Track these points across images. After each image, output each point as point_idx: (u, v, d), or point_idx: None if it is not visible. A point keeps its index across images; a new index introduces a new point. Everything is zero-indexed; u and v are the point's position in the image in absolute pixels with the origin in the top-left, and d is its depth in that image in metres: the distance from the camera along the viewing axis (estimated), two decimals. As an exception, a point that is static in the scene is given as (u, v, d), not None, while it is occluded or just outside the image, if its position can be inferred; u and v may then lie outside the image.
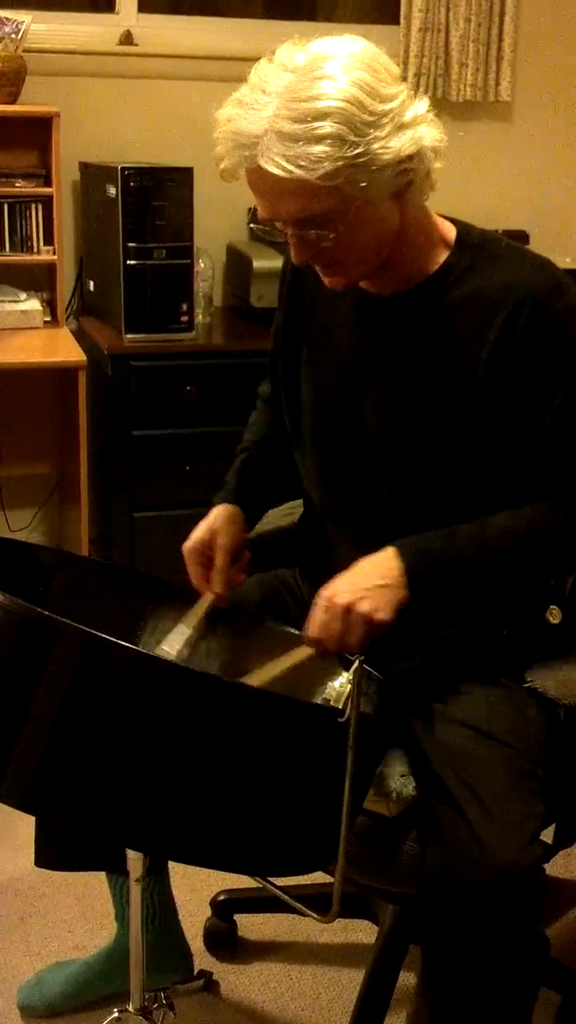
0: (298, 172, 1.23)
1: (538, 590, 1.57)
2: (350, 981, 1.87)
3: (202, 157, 2.79)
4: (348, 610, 1.33)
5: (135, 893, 1.42)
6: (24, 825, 2.10)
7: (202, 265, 2.87)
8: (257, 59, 3.14)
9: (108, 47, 2.97)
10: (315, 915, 1.28)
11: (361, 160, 1.24)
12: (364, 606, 1.32)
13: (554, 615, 1.57)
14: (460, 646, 1.52)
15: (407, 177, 1.31)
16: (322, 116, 1.22)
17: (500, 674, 1.50)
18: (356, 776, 1.20)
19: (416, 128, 1.29)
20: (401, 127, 1.27)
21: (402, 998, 1.83)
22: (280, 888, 1.35)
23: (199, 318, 2.82)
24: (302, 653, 1.37)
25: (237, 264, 2.96)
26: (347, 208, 1.28)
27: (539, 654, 1.54)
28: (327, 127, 1.22)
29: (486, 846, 1.29)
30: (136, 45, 2.98)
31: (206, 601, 1.52)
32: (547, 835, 1.50)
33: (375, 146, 1.24)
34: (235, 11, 3.25)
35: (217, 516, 1.59)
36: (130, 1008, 1.51)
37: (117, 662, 1.13)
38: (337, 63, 1.24)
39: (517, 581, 1.48)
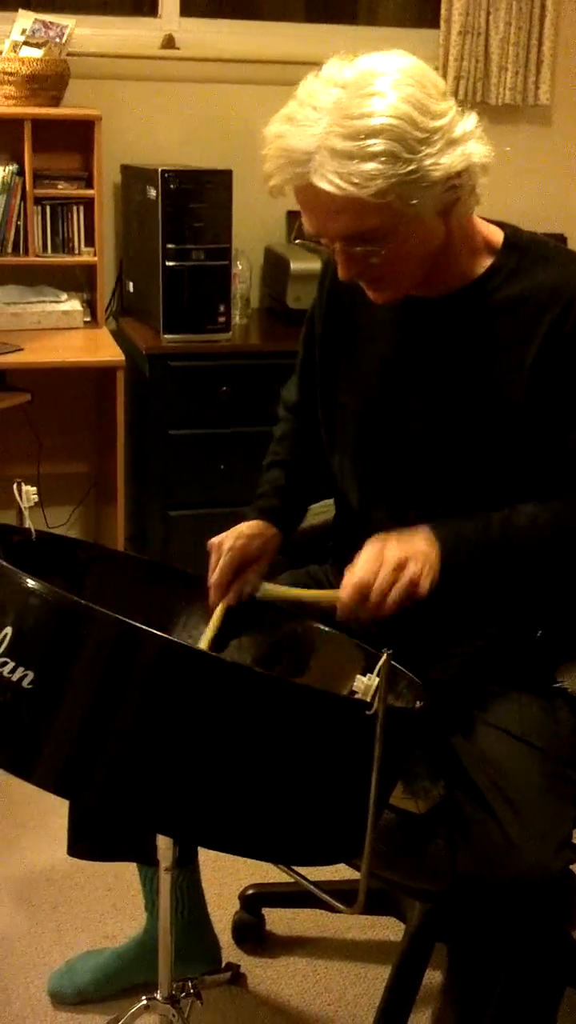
0: (351, 189, 1.23)
1: (571, 591, 1.57)
2: (376, 978, 1.89)
3: (241, 160, 2.85)
4: (401, 565, 1.32)
5: (164, 882, 1.44)
6: (58, 816, 2.14)
7: (239, 267, 2.90)
8: (298, 63, 3.16)
9: (150, 51, 3.00)
10: (341, 906, 1.29)
11: (413, 177, 1.25)
12: (415, 568, 1.32)
13: (589, 614, 1.57)
14: (493, 648, 1.53)
15: (455, 194, 1.31)
16: (375, 133, 1.22)
17: (531, 676, 1.51)
18: (383, 769, 1.21)
19: (466, 144, 1.29)
20: (451, 143, 1.27)
21: (427, 996, 1.84)
22: (308, 880, 1.36)
23: (236, 319, 2.85)
24: (330, 595, 1.39)
25: (274, 266, 2.99)
26: (396, 225, 1.28)
27: (571, 655, 1.55)
28: (380, 144, 1.22)
29: (517, 848, 1.29)
30: (178, 49, 3.01)
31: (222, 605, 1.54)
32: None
33: (427, 163, 1.25)
34: (275, 14, 3.27)
35: (240, 527, 1.58)
36: (158, 996, 1.53)
37: (150, 650, 1.15)
38: (387, 80, 1.25)
39: (542, 572, 1.47)
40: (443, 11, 3.10)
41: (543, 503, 1.43)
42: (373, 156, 1.22)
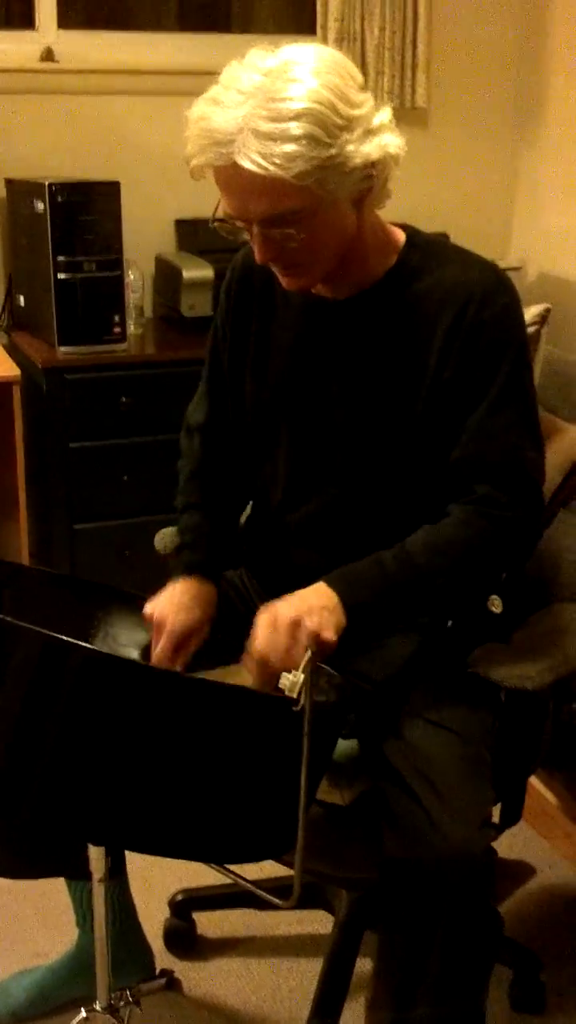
0: (273, 170, 1.27)
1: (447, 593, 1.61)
2: (308, 970, 1.92)
3: (126, 170, 2.85)
4: (296, 624, 1.32)
5: (99, 893, 1.45)
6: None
7: (131, 277, 2.90)
8: (179, 73, 3.17)
9: (29, 64, 2.98)
10: (278, 901, 1.32)
11: (333, 162, 1.30)
12: (311, 622, 1.32)
13: (496, 605, 1.62)
14: (405, 638, 1.57)
15: (369, 183, 1.36)
16: (297, 116, 1.27)
17: (445, 663, 1.56)
18: (311, 763, 1.25)
19: (382, 135, 1.34)
20: (369, 132, 1.33)
21: (360, 984, 1.88)
22: (244, 879, 1.39)
23: (131, 329, 2.85)
24: (242, 677, 1.37)
25: (166, 275, 3.00)
26: (313, 209, 1.33)
27: (481, 642, 1.60)
28: (301, 128, 1.27)
29: (442, 831, 1.33)
30: (57, 62, 3.00)
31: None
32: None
33: (347, 149, 1.30)
34: (149, 25, 3.28)
35: (176, 595, 1.54)
36: (97, 1007, 1.53)
37: (75, 661, 1.17)
38: (307, 67, 1.30)
39: (455, 588, 1.49)
40: (319, 18, 3.14)
41: (431, 526, 1.45)
42: (295, 138, 1.27)
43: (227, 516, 1.69)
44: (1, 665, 1.17)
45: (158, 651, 1.50)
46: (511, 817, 1.70)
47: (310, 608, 1.34)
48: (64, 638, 1.16)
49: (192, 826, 1.22)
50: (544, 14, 3.24)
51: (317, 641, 1.31)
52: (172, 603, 1.52)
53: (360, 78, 1.37)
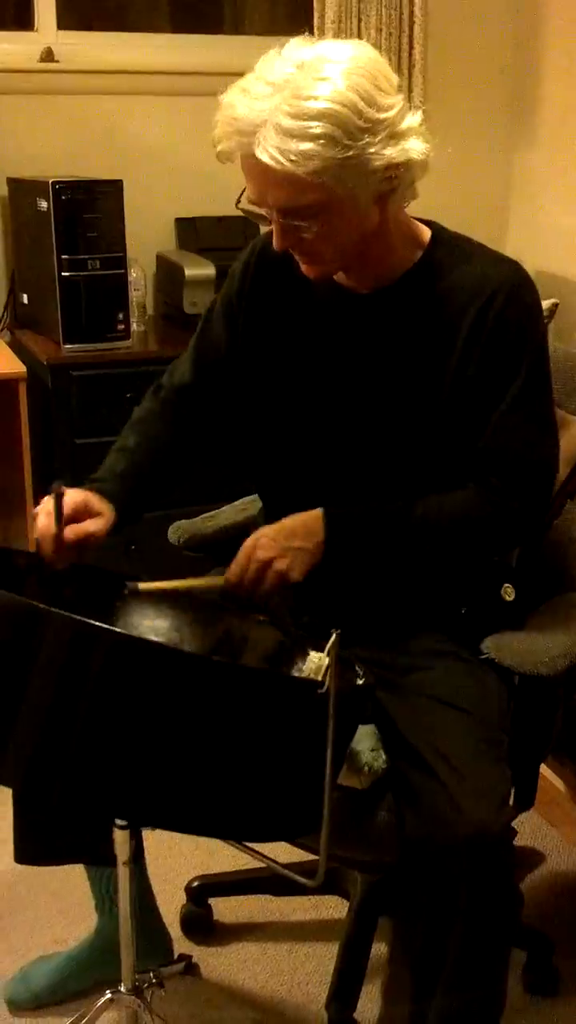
0: (288, 166, 1.30)
1: (492, 569, 1.66)
2: (325, 955, 1.95)
3: (127, 169, 2.87)
4: (267, 565, 1.43)
5: (123, 875, 1.48)
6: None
7: (134, 275, 2.92)
8: (178, 74, 3.18)
9: (29, 64, 3.00)
10: (303, 880, 1.35)
11: (351, 163, 1.32)
12: (280, 564, 1.43)
13: (508, 593, 1.66)
14: (421, 624, 1.60)
15: (392, 184, 1.38)
16: (318, 116, 1.29)
17: (460, 649, 1.59)
18: (335, 744, 1.27)
19: (408, 140, 1.36)
20: (394, 136, 1.34)
21: (375, 968, 1.91)
22: (274, 861, 1.41)
23: (134, 326, 2.87)
24: (208, 583, 1.52)
25: (168, 273, 3.02)
26: (331, 204, 1.35)
27: (495, 629, 1.63)
28: (320, 128, 1.29)
29: (462, 809, 1.36)
30: (57, 62, 3.02)
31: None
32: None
33: (369, 151, 1.32)
34: (143, 26, 3.30)
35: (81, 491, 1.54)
36: (122, 989, 1.56)
37: (104, 645, 1.19)
38: (339, 67, 1.31)
39: (448, 557, 1.55)
40: (316, 19, 3.17)
41: (443, 494, 1.50)
42: (313, 138, 1.29)
43: (155, 479, 1.66)
44: (32, 650, 1.19)
45: (42, 517, 1.50)
46: (524, 802, 1.72)
47: (284, 550, 1.44)
48: (94, 623, 1.18)
49: (217, 804, 1.24)
50: (538, 14, 3.27)
51: (283, 579, 1.44)
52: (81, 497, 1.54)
53: (395, 80, 1.37)
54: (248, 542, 1.46)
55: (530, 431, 1.48)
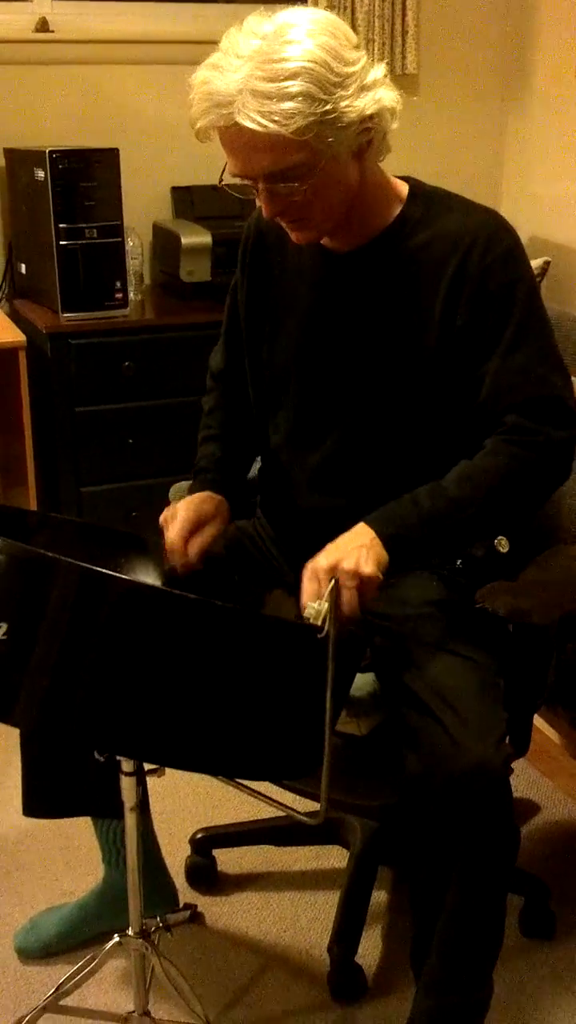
0: (272, 127, 1.34)
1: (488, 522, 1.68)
2: (326, 903, 1.99)
3: (121, 139, 2.89)
4: (333, 569, 1.38)
5: (131, 821, 1.52)
6: (4, 786, 2.19)
7: (131, 244, 2.95)
8: (171, 42, 3.20)
9: (25, 35, 3.01)
10: (306, 819, 1.39)
11: (329, 117, 1.36)
12: (348, 563, 1.38)
13: (503, 544, 1.69)
14: (417, 575, 1.64)
15: (368, 136, 1.42)
16: (293, 75, 1.33)
17: (455, 599, 1.63)
18: (334, 688, 1.31)
19: (376, 90, 1.41)
20: (363, 88, 1.39)
21: (375, 916, 1.96)
22: (268, 799, 1.45)
23: (131, 295, 2.90)
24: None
25: (165, 241, 3.04)
26: (315, 163, 1.39)
27: (489, 580, 1.67)
28: (297, 86, 1.33)
29: (461, 745, 1.40)
30: (52, 32, 3.03)
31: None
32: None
33: (342, 104, 1.36)
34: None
35: (189, 498, 1.66)
36: (130, 932, 1.60)
37: (113, 592, 1.23)
38: (302, 29, 1.36)
39: (497, 514, 1.52)
40: (308, -13, 3.18)
41: (464, 462, 1.49)
42: (291, 96, 1.33)
43: (241, 451, 1.78)
44: (45, 596, 1.23)
45: (171, 532, 1.59)
46: (518, 750, 1.77)
47: (344, 551, 1.40)
48: (102, 570, 1.22)
49: (221, 743, 1.28)
50: (530, -21, 3.29)
51: (359, 577, 1.37)
52: (184, 501, 1.65)
53: (354, 38, 1.42)
54: (305, 566, 1.41)
55: (535, 366, 1.49)
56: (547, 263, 2.17)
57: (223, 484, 1.71)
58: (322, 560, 1.40)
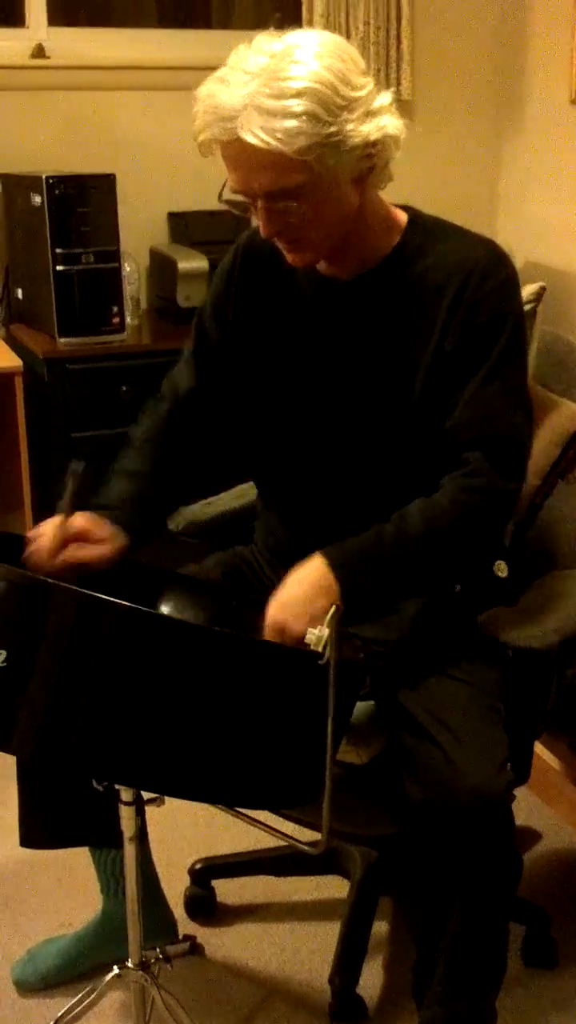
0: (275, 144, 1.33)
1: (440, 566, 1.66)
2: (327, 934, 1.97)
3: (117, 165, 2.90)
4: (281, 630, 1.38)
5: (130, 851, 1.50)
6: (1, 816, 2.17)
7: (127, 269, 2.95)
8: (168, 68, 3.21)
9: (21, 61, 3.03)
10: (307, 848, 1.37)
11: (333, 140, 1.36)
12: (296, 625, 1.37)
13: (501, 569, 1.69)
14: (416, 603, 1.63)
15: (370, 162, 1.42)
16: (299, 94, 1.33)
17: (455, 626, 1.62)
18: (336, 715, 1.30)
19: (381, 117, 1.40)
20: (369, 114, 1.39)
21: (377, 944, 1.94)
22: (268, 828, 1.44)
23: (128, 320, 2.90)
24: None
25: (161, 266, 3.05)
26: (314, 184, 1.38)
27: (489, 606, 1.66)
28: (302, 105, 1.33)
29: (462, 772, 1.39)
30: (48, 58, 3.05)
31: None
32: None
33: (347, 128, 1.36)
34: (130, 22, 3.33)
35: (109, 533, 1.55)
36: (129, 964, 1.58)
37: (110, 617, 1.22)
38: (310, 50, 1.36)
39: (452, 557, 1.51)
40: (304, 13, 3.20)
41: (425, 499, 1.49)
42: (296, 115, 1.33)
43: (168, 486, 1.68)
44: (42, 623, 1.22)
45: (45, 526, 1.50)
46: (519, 776, 1.75)
47: (312, 616, 1.36)
48: (98, 595, 1.21)
49: (221, 771, 1.27)
50: (524, 7, 3.30)
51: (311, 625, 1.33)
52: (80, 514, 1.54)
53: (362, 63, 1.42)
54: (271, 621, 1.40)
55: (501, 402, 1.49)
56: (543, 288, 2.18)
57: (128, 524, 1.58)
58: (292, 625, 1.38)
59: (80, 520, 1.53)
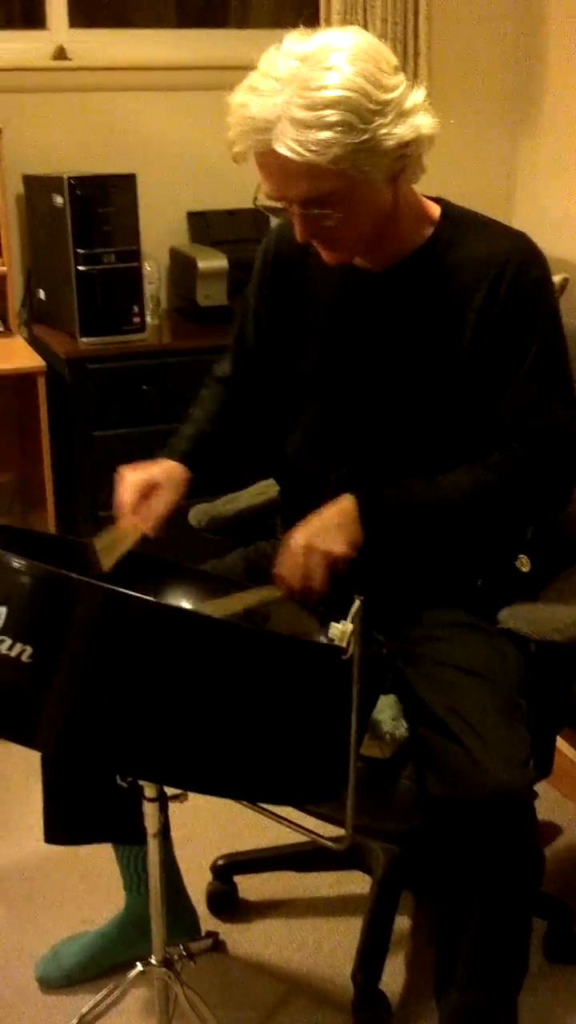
0: (309, 156, 1.33)
1: (508, 541, 1.68)
2: (348, 930, 1.97)
3: (137, 165, 2.91)
4: (308, 548, 1.45)
5: (153, 847, 1.51)
6: (24, 813, 2.19)
7: (148, 268, 2.96)
8: (188, 68, 3.22)
9: (42, 63, 3.04)
10: (331, 844, 1.38)
11: (367, 146, 1.35)
12: (320, 544, 1.44)
13: (523, 563, 1.68)
14: (438, 596, 1.63)
15: (404, 162, 1.41)
16: (332, 105, 1.32)
17: (477, 620, 1.62)
18: (359, 709, 1.30)
19: (415, 116, 1.39)
20: (402, 115, 1.37)
21: (398, 941, 1.94)
22: (292, 824, 1.44)
23: (149, 319, 2.91)
24: (270, 593, 1.51)
25: (181, 266, 3.05)
26: (350, 190, 1.38)
27: (511, 600, 1.66)
28: (336, 115, 1.32)
29: (484, 768, 1.39)
30: (70, 59, 3.06)
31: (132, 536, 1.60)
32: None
33: (380, 132, 1.35)
34: (149, 22, 3.34)
35: (165, 468, 1.65)
36: (153, 961, 1.59)
37: (134, 612, 1.22)
38: (342, 55, 1.34)
39: (472, 529, 1.57)
40: (322, 11, 3.20)
41: (468, 465, 1.53)
42: (330, 126, 1.32)
43: (223, 436, 1.76)
44: (67, 618, 1.22)
45: (122, 495, 1.59)
46: (541, 771, 1.75)
47: (320, 529, 1.46)
48: (123, 590, 1.22)
49: (244, 766, 1.27)
50: (542, 2, 3.29)
51: (328, 557, 1.44)
52: (129, 467, 1.64)
53: (394, 61, 1.40)
54: (295, 544, 1.47)
55: (546, 399, 1.51)
56: (566, 280, 2.18)
57: (188, 455, 1.68)
58: (299, 537, 1.47)
59: (135, 480, 1.61)
